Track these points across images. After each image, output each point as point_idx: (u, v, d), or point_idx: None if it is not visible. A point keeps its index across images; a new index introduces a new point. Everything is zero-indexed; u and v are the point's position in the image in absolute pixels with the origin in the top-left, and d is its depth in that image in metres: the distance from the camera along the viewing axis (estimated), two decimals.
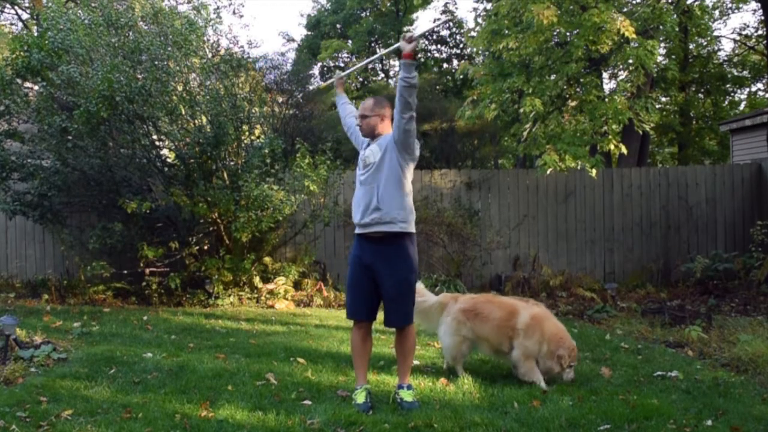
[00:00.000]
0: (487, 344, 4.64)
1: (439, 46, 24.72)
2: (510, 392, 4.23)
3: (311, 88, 5.35)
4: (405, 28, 24.13)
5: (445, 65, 24.02)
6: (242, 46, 16.45)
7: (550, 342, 4.42)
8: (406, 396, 3.98)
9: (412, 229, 4.01)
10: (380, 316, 4.11)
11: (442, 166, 16.41)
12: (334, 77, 4.76)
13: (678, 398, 4.18)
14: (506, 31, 9.62)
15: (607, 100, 9.60)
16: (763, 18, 14.99)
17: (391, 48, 4.87)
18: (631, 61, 9.31)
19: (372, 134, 4.06)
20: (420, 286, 4.97)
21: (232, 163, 7.90)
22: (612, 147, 9.47)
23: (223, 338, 6.02)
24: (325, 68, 25.10)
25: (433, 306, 4.89)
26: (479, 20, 13.48)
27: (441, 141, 17.12)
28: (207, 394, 4.20)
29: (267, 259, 8.42)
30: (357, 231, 4.07)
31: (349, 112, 4.49)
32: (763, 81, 19.38)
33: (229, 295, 8.03)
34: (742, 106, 20.41)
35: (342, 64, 24.26)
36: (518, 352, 4.46)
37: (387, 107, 4.09)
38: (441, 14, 24.67)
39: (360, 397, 3.95)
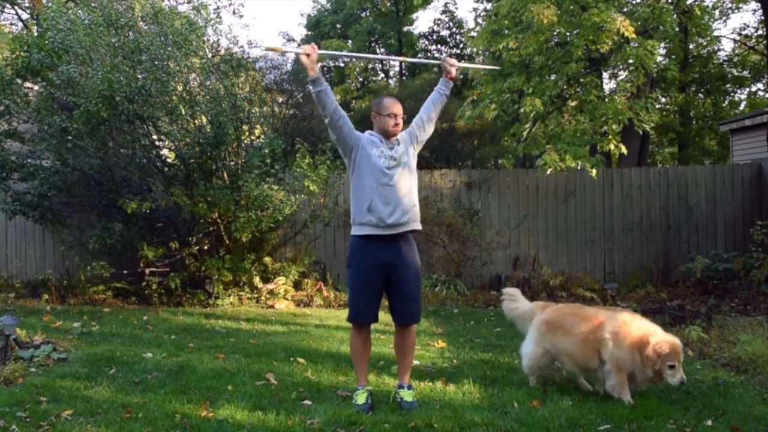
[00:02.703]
0: (571, 360, 4.29)
1: (439, 46, 24.71)
2: (510, 392, 4.23)
3: (266, 46, 4.91)
4: (405, 28, 24.14)
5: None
6: (242, 46, 16.49)
7: (641, 347, 3.97)
8: (407, 396, 3.98)
9: None
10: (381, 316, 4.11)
11: (442, 166, 16.41)
12: (305, 49, 3.91)
13: (678, 398, 4.18)
14: (506, 31, 9.63)
15: (607, 100, 9.60)
16: (763, 18, 14.98)
17: (429, 62, 5.08)
18: (631, 61, 9.31)
19: (397, 134, 4.07)
20: (515, 291, 4.93)
21: (232, 163, 7.90)
22: (612, 147, 9.47)
23: (223, 338, 6.02)
24: (325, 68, 25.09)
25: (526, 312, 4.73)
26: (479, 20, 13.49)
27: (441, 141, 17.11)
28: (207, 394, 4.20)
29: (267, 259, 8.42)
30: (378, 232, 3.92)
31: (334, 99, 4.06)
32: (763, 81, 19.36)
33: (229, 295, 8.02)
34: (742, 106, 20.39)
35: (342, 64, 24.24)
36: (609, 365, 4.07)
37: None
38: (441, 14, 24.67)
39: (361, 398, 3.95)
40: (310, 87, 3.95)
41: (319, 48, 3.95)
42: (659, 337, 3.98)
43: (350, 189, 4.07)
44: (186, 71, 7.78)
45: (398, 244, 3.97)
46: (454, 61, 4.26)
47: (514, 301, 4.85)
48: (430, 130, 4.20)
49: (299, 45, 24.88)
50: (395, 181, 3.93)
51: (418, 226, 4.06)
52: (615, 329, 4.08)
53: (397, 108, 4.02)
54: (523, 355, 4.54)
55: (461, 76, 13.26)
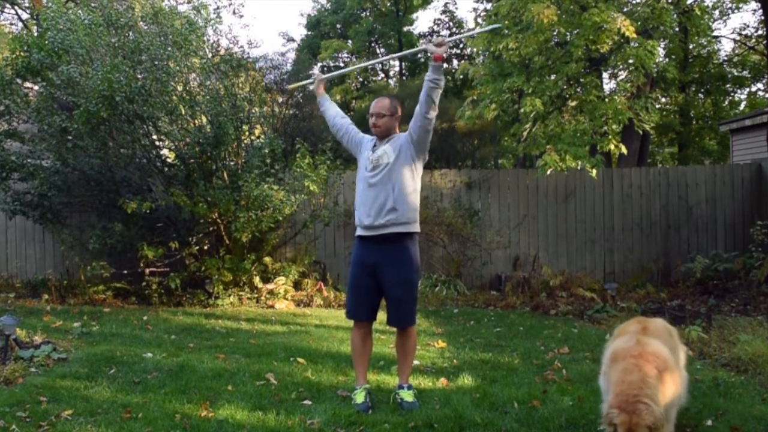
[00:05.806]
0: None
1: None
2: (510, 392, 4.23)
3: (289, 86, 5.21)
4: (405, 28, 24.14)
5: (445, 65, 24.05)
6: (242, 46, 16.47)
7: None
8: (407, 396, 3.98)
9: (419, 228, 4.09)
10: (380, 316, 4.11)
11: (442, 166, 16.39)
12: (314, 77, 4.53)
13: None
14: (506, 31, 9.62)
15: (607, 100, 9.60)
16: (763, 18, 14.98)
17: (416, 50, 4.88)
18: (631, 61, 9.30)
19: (387, 134, 4.04)
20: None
21: (232, 163, 7.90)
22: (612, 147, 9.46)
23: (223, 338, 6.02)
24: (325, 68, 25.09)
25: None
26: (479, 20, 13.49)
27: (441, 141, 17.10)
28: (207, 394, 4.19)
29: (267, 259, 8.42)
30: (362, 233, 4.02)
31: (337, 113, 4.38)
32: (763, 81, 19.37)
33: (229, 295, 8.02)
34: (742, 106, 20.40)
35: (342, 65, 24.26)
36: None
37: (400, 107, 4.16)
38: (441, 14, 24.67)
39: (359, 397, 3.95)
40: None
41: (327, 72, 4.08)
42: (621, 398, 2.91)
43: None
44: (186, 71, 7.78)
45: (384, 247, 3.95)
46: (440, 39, 3.89)
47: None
48: (427, 126, 3.92)
49: (299, 45, 24.92)
50: (374, 183, 3.94)
51: (409, 229, 3.94)
52: (606, 361, 3.38)
53: (378, 106, 4.05)
54: None
55: (461, 76, 13.26)
